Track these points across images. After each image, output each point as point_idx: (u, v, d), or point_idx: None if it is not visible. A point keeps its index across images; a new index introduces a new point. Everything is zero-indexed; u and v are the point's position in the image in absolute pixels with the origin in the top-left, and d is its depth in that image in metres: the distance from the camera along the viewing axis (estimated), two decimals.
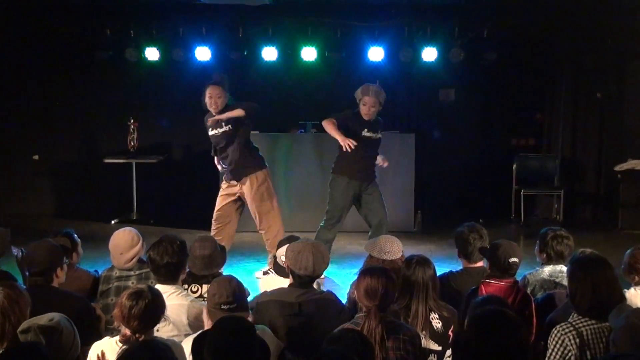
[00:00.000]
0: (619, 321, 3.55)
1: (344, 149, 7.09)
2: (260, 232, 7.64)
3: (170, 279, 4.51)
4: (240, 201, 7.65)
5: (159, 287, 4.20)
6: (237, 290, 4.04)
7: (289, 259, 4.54)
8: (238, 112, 7.25)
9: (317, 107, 10.64)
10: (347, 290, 5.15)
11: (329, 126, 7.21)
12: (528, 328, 4.40)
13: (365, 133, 7.36)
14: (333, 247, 7.54)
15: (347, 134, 7.15)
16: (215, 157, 7.77)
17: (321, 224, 7.54)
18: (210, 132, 7.51)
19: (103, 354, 3.70)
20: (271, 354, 3.67)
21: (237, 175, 7.50)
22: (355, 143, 7.08)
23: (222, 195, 7.65)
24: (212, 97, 7.34)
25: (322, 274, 4.66)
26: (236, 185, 7.56)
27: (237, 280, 4.15)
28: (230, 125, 7.36)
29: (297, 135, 10.49)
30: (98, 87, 11.22)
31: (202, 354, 3.33)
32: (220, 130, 7.41)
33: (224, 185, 7.67)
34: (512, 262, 4.70)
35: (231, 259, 7.07)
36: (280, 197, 10.11)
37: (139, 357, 3.07)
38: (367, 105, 7.34)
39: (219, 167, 7.80)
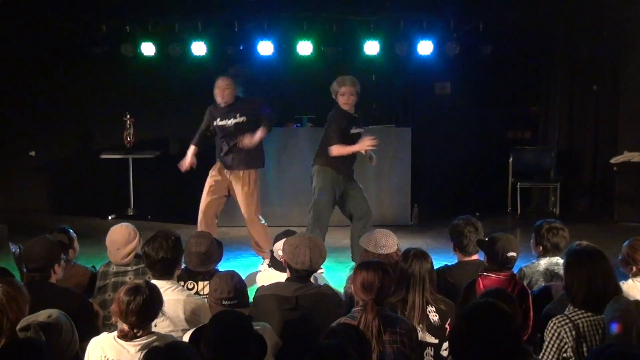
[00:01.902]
0: (611, 313, 3.57)
1: (368, 151, 7.36)
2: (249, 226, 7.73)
3: (165, 275, 4.51)
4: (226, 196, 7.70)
5: (154, 282, 4.21)
6: (238, 286, 4.08)
7: (286, 253, 4.55)
8: (262, 133, 7.43)
9: (313, 101, 10.63)
10: (344, 285, 5.16)
11: (339, 150, 7.27)
12: (525, 321, 4.42)
13: (353, 130, 7.39)
14: (329, 241, 7.52)
15: (340, 135, 7.27)
16: (193, 147, 7.73)
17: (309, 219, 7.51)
18: (219, 122, 7.52)
19: None
20: (270, 351, 3.69)
21: (238, 164, 7.54)
22: (373, 142, 7.24)
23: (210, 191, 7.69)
24: (219, 88, 7.42)
25: (319, 268, 4.68)
26: (223, 175, 7.60)
27: (238, 276, 4.18)
28: (244, 117, 7.40)
29: (293, 130, 10.49)
30: (94, 82, 11.20)
31: (198, 348, 3.34)
32: (233, 122, 7.45)
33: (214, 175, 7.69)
34: (510, 256, 4.71)
35: (228, 254, 7.08)
36: (275, 191, 10.20)
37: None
38: (345, 95, 7.34)
39: (189, 160, 7.73)
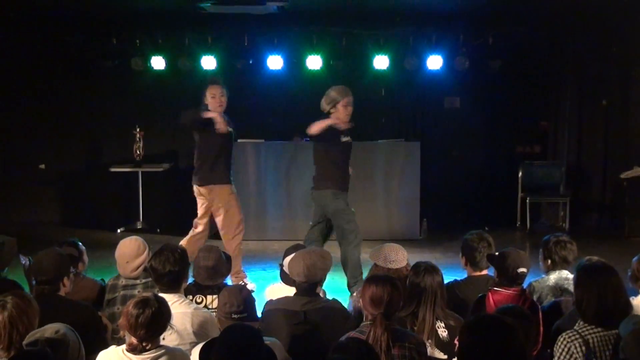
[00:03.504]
0: (628, 327, 3.54)
1: (333, 122, 6.99)
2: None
3: (173, 288, 4.51)
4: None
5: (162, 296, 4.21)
6: (247, 299, 4.08)
7: (286, 267, 4.60)
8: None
9: (322, 115, 10.64)
10: (352, 299, 5.16)
11: (315, 125, 7.10)
12: (535, 336, 4.40)
13: (344, 138, 7.20)
14: (337, 256, 7.50)
15: (327, 143, 7.11)
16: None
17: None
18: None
19: None
20: None
21: (213, 179, 7.41)
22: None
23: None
24: (215, 97, 7.26)
25: (320, 279, 4.66)
26: (204, 192, 7.45)
27: (247, 289, 4.20)
28: (232, 129, 7.35)
29: (301, 144, 10.49)
30: (104, 96, 11.26)
31: None
32: (229, 129, 7.35)
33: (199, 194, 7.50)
34: (521, 272, 4.69)
35: None
36: (284, 205, 10.22)
37: None
38: (348, 107, 7.11)
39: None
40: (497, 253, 4.98)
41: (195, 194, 7.51)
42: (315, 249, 4.74)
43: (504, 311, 3.77)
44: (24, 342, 3.49)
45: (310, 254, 4.61)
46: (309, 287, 4.54)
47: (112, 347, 3.82)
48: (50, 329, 3.50)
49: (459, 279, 5.37)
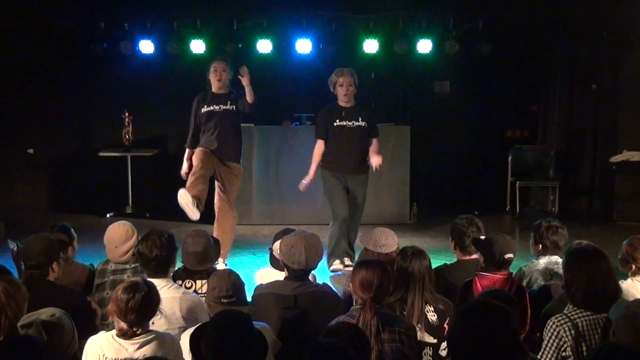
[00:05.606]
0: (619, 311, 3.55)
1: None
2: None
3: (160, 272, 4.50)
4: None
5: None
6: (236, 283, 4.07)
7: (282, 253, 4.53)
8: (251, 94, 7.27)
9: (312, 99, 10.64)
10: (343, 283, 5.15)
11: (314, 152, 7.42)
12: (522, 319, 4.41)
13: (338, 122, 7.29)
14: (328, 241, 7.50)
15: (323, 129, 7.32)
16: (188, 151, 7.47)
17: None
18: (207, 109, 7.32)
19: None
20: (269, 352, 3.67)
21: (226, 155, 7.35)
22: (305, 183, 7.40)
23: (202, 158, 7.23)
24: (217, 70, 7.32)
25: (316, 266, 4.65)
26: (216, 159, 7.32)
27: (236, 274, 4.17)
28: (234, 106, 7.33)
29: (291, 128, 10.48)
30: (92, 80, 11.18)
31: (199, 347, 3.33)
32: (223, 108, 7.33)
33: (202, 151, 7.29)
34: (508, 258, 4.69)
35: None
36: (274, 189, 10.21)
37: None
38: (344, 86, 7.30)
39: (186, 166, 7.47)
40: (483, 237, 4.98)
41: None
42: (308, 236, 4.65)
43: (487, 295, 3.78)
44: (19, 324, 3.48)
45: (310, 242, 4.51)
46: (304, 274, 4.54)
47: (102, 333, 3.80)
48: (45, 312, 3.51)
49: (448, 263, 5.38)
